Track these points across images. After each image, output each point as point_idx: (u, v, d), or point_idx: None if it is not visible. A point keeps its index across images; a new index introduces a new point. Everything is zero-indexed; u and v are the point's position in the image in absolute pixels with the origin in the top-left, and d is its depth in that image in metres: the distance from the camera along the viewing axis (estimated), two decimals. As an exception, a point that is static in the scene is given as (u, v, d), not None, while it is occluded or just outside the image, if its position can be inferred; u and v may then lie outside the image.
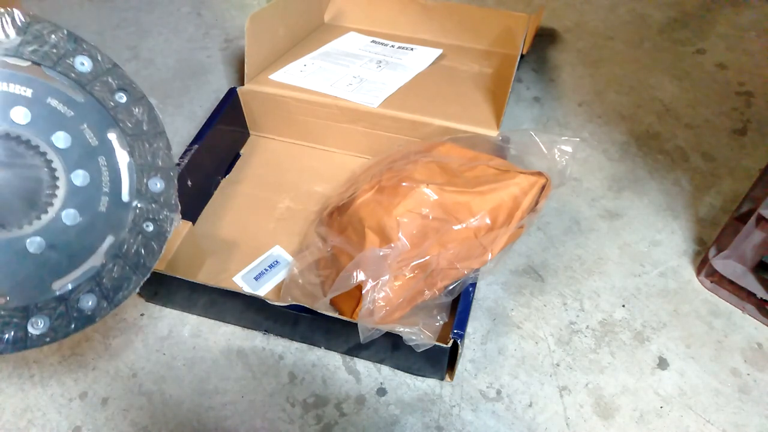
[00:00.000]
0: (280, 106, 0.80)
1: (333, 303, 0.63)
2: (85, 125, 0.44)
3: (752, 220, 0.60)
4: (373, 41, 0.93)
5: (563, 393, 0.60)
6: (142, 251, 0.46)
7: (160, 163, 0.47)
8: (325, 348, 0.63)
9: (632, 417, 0.58)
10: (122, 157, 0.46)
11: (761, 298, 0.63)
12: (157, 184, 0.47)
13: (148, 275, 0.47)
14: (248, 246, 0.71)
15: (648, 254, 0.72)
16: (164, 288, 0.64)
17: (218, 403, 0.60)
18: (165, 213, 0.47)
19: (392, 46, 0.92)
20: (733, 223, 0.63)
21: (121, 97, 0.45)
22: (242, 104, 0.82)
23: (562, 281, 0.69)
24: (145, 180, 0.47)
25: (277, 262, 0.70)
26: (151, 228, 0.47)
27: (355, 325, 0.54)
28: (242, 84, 0.80)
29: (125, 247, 0.46)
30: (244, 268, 0.69)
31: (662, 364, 0.62)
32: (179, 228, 0.64)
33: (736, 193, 0.78)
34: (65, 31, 0.43)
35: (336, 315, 0.57)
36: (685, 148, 0.84)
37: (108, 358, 0.63)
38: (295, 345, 0.64)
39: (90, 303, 0.44)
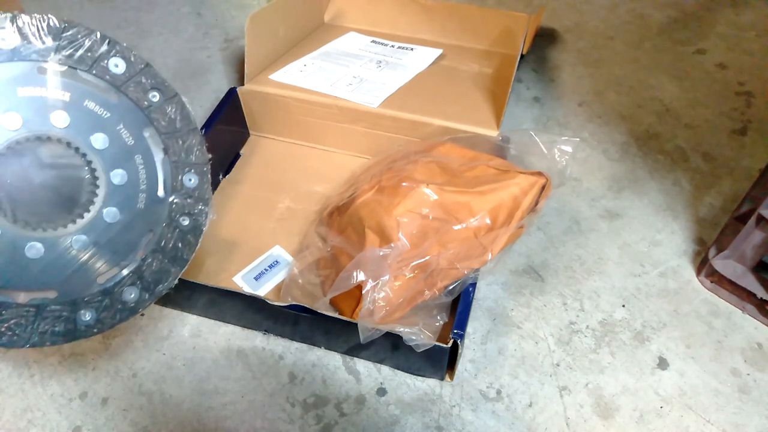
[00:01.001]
0: (280, 106, 0.80)
1: (333, 303, 0.63)
2: (122, 125, 0.46)
3: (752, 220, 0.60)
4: (373, 41, 0.93)
5: (563, 393, 0.60)
6: (180, 245, 0.49)
7: (193, 159, 0.49)
8: (325, 348, 0.63)
9: (632, 417, 0.58)
10: (158, 155, 0.48)
11: (761, 298, 0.63)
12: (191, 180, 0.49)
13: (186, 267, 0.48)
14: (248, 246, 0.71)
15: (648, 254, 0.72)
16: (164, 288, 0.64)
17: (218, 403, 0.60)
18: (200, 207, 0.50)
19: (392, 46, 0.92)
20: (733, 223, 0.63)
21: (155, 97, 0.47)
22: (242, 104, 0.82)
23: (562, 281, 0.69)
24: (179, 176, 0.49)
25: (277, 262, 0.70)
26: (187, 222, 0.49)
27: (355, 325, 0.54)
28: (242, 84, 0.80)
29: (163, 241, 0.48)
30: (244, 268, 0.69)
31: (662, 364, 0.62)
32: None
33: (736, 193, 0.78)
34: (99, 34, 0.45)
35: (336, 315, 0.57)
36: (685, 148, 0.84)
37: (108, 358, 0.63)
38: (295, 345, 0.64)
39: (132, 295, 0.47)
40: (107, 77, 0.45)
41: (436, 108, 0.76)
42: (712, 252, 0.66)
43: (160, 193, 0.48)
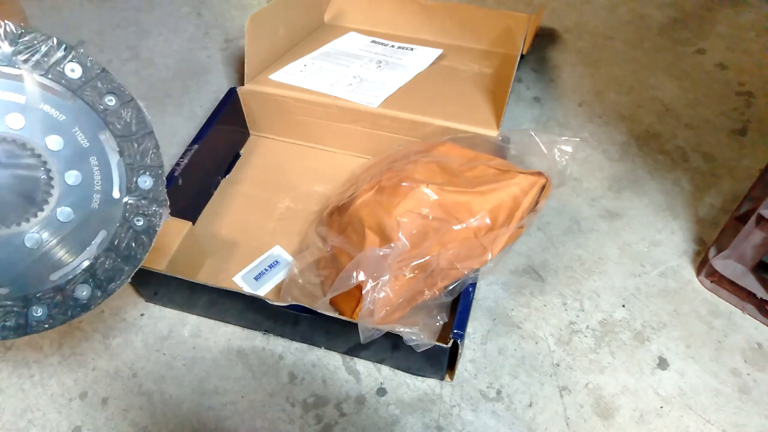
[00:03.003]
0: (280, 106, 0.80)
1: (333, 303, 0.63)
2: (77, 128, 0.48)
3: (752, 220, 0.60)
4: (373, 41, 0.93)
5: (563, 393, 0.60)
6: (133, 244, 0.50)
7: (148, 162, 0.51)
8: (325, 348, 0.63)
9: (632, 417, 0.58)
10: (113, 157, 0.49)
11: (761, 298, 0.63)
12: (146, 182, 0.50)
13: (139, 266, 0.50)
14: (248, 246, 0.71)
15: (648, 254, 0.72)
16: (164, 288, 0.64)
17: (218, 403, 0.60)
18: (154, 208, 0.51)
19: (392, 46, 0.92)
20: (733, 223, 0.63)
21: (111, 101, 0.48)
22: (242, 104, 0.82)
23: (562, 281, 0.69)
24: (134, 178, 0.50)
25: (277, 262, 0.70)
26: (141, 222, 0.50)
27: (355, 325, 0.54)
28: (242, 84, 0.80)
29: (117, 240, 0.49)
30: (244, 268, 0.69)
31: (662, 364, 0.62)
32: (179, 228, 0.64)
33: (736, 193, 0.78)
34: (55, 40, 0.46)
35: (336, 315, 0.57)
36: (685, 148, 0.84)
37: (108, 358, 0.63)
38: (295, 345, 0.64)
39: (85, 293, 0.48)
40: (63, 81, 0.46)
41: (436, 108, 0.76)
42: (712, 252, 0.66)
43: (115, 194, 0.49)
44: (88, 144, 0.48)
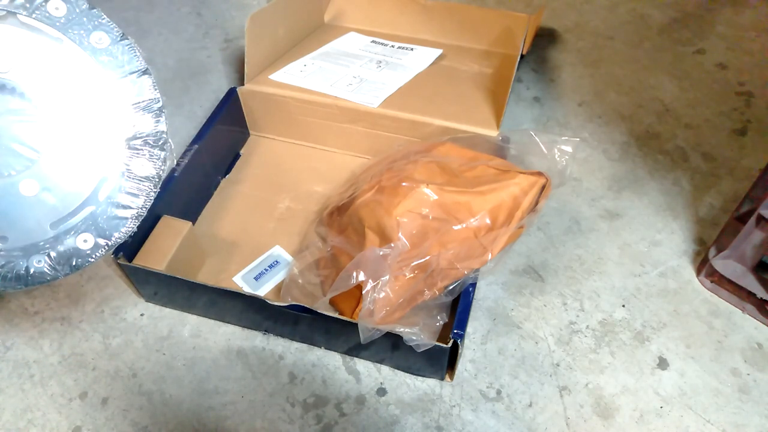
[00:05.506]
0: (280, 106, 0.80)
1: (333, 303, 0.63)
2: (68, 70, 0.45)
3: (752, 220, 0.60)
4: (373, 41, 0.93)
5: (563, 393, 0.60)
6: (136, 192, 0.48)
7: (146, 100, 0.48)
8: (325, 348, 0.63)
9: (632, 417, 0.58)
10: (108, 98, 0.47)
11: (761, 298, 0.63)
12: (147, 123, 0.48)
13: (144, 215, 0.48)
14: (248, 246, 0.71)
15: (648, 254, 0.72)
16: (164, 288, 0.64)
17: (218, 403, 0.60)
18: (157, 152, 0.48)
19: (392, 46, 0.92)
20: (733, 223, 0.63)
21: (100, 39, 0.46)
22: (242, 104, 0.82)
23: (562, 281, 0.69)
24: (134, 119, 0.48)
25: (277, 262, 0.70)
26: (144, 168, 0.48)
27: (355, 325, 0.54)
28: (242, 84, 0.80)
29: (119, 187, 0.47)
30: (244, 268, 0.69)
31: (662, 364, 0.62)
32: (179, 228, 0.64)
33: (736, 193, 0.78)
34: None
35: (336, 315, 0.57)
36: (685, 148, 0.84)
37: (108, 358, 0.63)
38: (295, 345, 0.64)
39: (87, 242, 0.46)
40: (48, 20, 0.45)
41: (436, 108, 0.76)
42: (712, 252, 0.66)
43: (114, 136, 0.47)
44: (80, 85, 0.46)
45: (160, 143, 0.48)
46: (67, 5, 0.45)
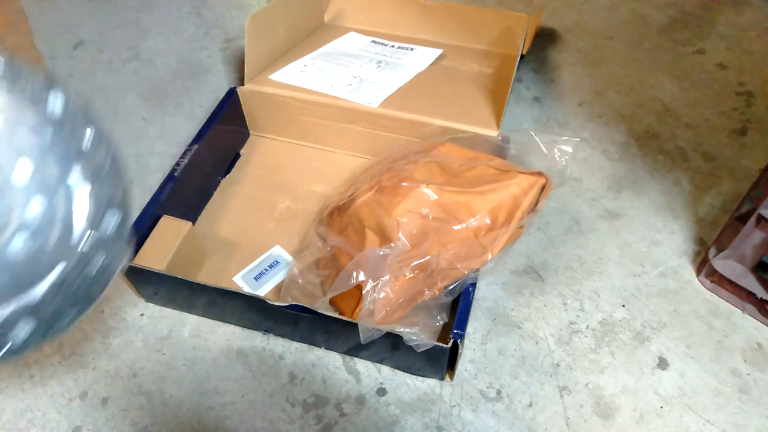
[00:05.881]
0: (280, 106, 0.80)
1: (333, 303, 0.63)
2: (49, 156, 0.45)
3: (752, 220, 0.60)
4: (373, 41, 0.93)
5: (563, 393, 0.60)
6: (88, 282, 0.47)
7: (118, 198, 0.48)
8: (325, 348, 0.63)
9: (632, 417, 0.58)
10: (81, 190, 0.46)
11: (761, 298, 0.63)
12: (112, 220, 0.48)
13: (91, 307, 0.47)
14: (248, 246, 0.71)
15: (648, 254, 0.72)
16: (164, 288, 0.64)
17: (218, 403, 0.60)
18: (116, 248, 0.48)
19: (392, 46, 0.92)
20: (733, 223, 0.63)
21: (89, 135, 0.46)
22: (242, 104, 0.82)
23: (562, 281, 0.69)
24: (101, 213, 0.47)
25: (277, 262, 0.70)
26: (100, 260, 0.47)
27: (355, 325, 0.54)
28: (242, 84, 0.80)
29: (71, 276, 0.46)
30: (244, 268, 0.69)
31: (662, 364, 0.62)
32: (179, 228, 0.64)
33: (736, 193, 0.78)
34: (41, 71, 0.44)
35: (336, 315, 0.57)
36: (685, 148, 0.84)
37: (108, 358, 0.63)
38: (295, 345, 0.64)
39: (27, 329, 0.45)
40: (43, 108, 0.44)
41: (436, 108, 0.76)
42: (712, 252, 0.66)
43: (78, 227, 0.46)
44: (57, 173, 0.45)
45: (122, 240, 0.47)
46: (65, 98, 0.44)
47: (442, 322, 0.61)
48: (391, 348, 0.58)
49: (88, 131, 0.47)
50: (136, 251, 0.62)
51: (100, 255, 0.47)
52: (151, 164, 0.83)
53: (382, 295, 0.57)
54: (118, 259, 0.48)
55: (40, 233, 0.45)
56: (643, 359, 0.62)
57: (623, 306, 0.67)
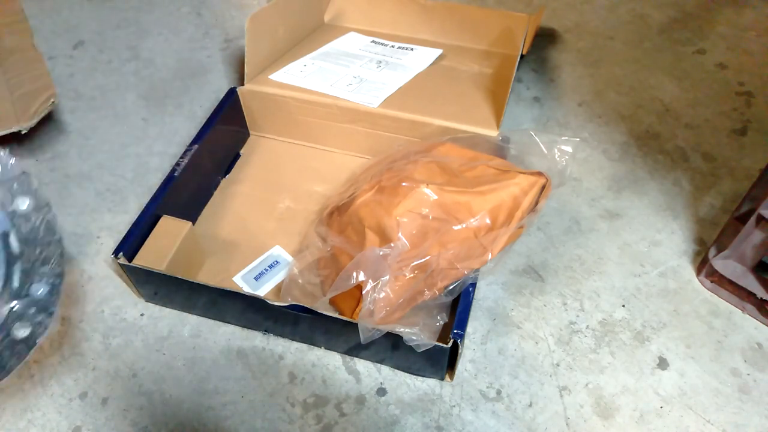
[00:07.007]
0: (280, 106, 0.80)
1: (333, 303, 0.63)
2: None
3: (752, 220, 0.60)
4: (373, 41, 0.93)
5: (563, 393, 0.60)
6: (8, 353, 0.46)
7: (47, 270, 0.48)
8: (325, 348, 0.63)
9: (632, 417, 0.58)
10: (10, 258, 0.46)
11: (761, 298, 0.63)
12: (39, 289, 0.47)
13: (7, 378, 0.46)
14: (248, 246, 0.71)
15: (648, 254, 0.72)
16: (164, 288, 0.64)
17: (218, 403, 0.60)
18: (41, 318, 0.47)
19: (392, 46, 0.92)
20: (733, 223, 0.63)
21: (24, 203, 0.46)
22: (242, 104, 0.82)
23: (562, 281, 0.69)
24: (28, 283, 0.47)
25: (277, 262, 0.70)
26: (23, 331, 0.47)
27: (355, 325, 0.54)
28: (242, 84, 0.80)
29: None
30: (244, 268, 0.69)
31: (662, 364, 0.62)
32: (179, 228, 0.64)
33: (736, 193, 0.78)
34: None
35: (336, 315, 0.57)
36: (685, 148, 0.84)
37: (108, 358, 0.63)
38: (295, 345, 0.64)
39: None
40: None
41: (436, 108, 0.76)
42: (712, 252, 0.66)
43: (4, 295, 0.46)
44: None
45: (48, 310, 0.47)
46: (1, 167, 0.43)
47: (442, 322, 0.61)
48: (391, 348, 0.58)
49: (24, 198, 0.45)
50: (136, 251, 0.62)
51: (22, 325, 0.46)
52: (151, 164, 0.83)
53: (382, 295, 0.57)
54: (41, 330, 0.47)
55: None
56: (643, 359, 0.62)
57: (623, 306, 0.67)
